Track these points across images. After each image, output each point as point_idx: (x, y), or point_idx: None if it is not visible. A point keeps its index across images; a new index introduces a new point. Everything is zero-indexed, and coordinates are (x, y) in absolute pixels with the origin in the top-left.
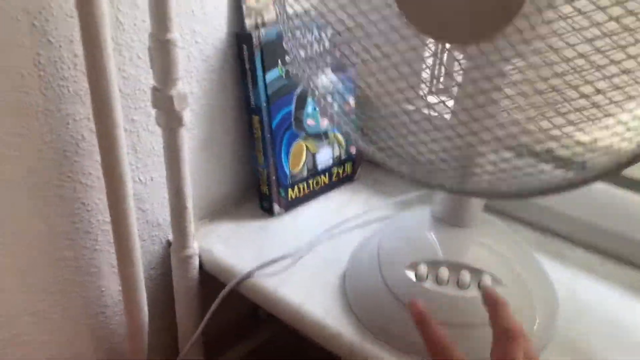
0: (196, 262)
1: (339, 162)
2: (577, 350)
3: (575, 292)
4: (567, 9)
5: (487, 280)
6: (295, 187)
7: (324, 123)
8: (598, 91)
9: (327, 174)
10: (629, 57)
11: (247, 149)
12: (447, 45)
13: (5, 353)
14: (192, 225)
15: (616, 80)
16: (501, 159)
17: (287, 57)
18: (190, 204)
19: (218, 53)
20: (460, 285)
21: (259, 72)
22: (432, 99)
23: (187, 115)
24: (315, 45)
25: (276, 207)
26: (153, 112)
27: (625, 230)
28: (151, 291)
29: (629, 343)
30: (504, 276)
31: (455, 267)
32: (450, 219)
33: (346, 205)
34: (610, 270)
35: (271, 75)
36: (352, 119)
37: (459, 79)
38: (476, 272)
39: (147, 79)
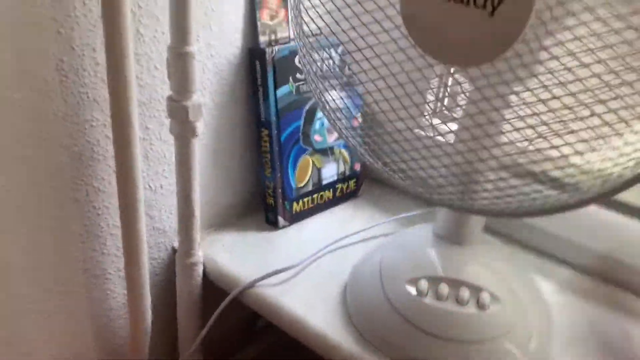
0: (200, 269)
1: (343, 178)
2: None
3: (570, 314)
4: (565, 36)
5: (485, 297)
6: (300, 201)
7: (331, 139)
8: (593, 114)
9: (331, 189)
10: (624, 83)
11: (254, 161)
12: (451, 67)
13: (10, 350)
14: (198, 233)
15: (611, 104)
16: (499, 178)
17: (298, 74)
18: (198, 212)
19: (231, 67)
20: (459, 301)
21: (271, 87)
22: (435, 118)
23: (200, 126)
24: (327, 63)
25: (281, 220)
26: (166, 121)
27: (619, 253)
28: (154, 297)
29: None
30: (501, 293)
31: (455, 284)
32: (451, 237)
33: (349, 220)
34: (603, 293)
35: (282, 90)
36: (359, 134)
37: (460, 99)
38: (475, 289)
39: (163, 89)
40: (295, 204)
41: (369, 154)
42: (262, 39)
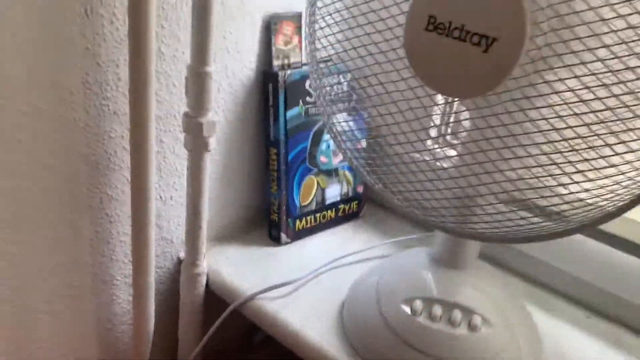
0: (204, 280)
1: (346, 199)
2: None
3: (559, 342)
4: (551, 77)
5: (477, 320)
6: (304, 219)
7: (336, 161)
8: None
9: (334, 209)
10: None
11: (261, 178)
12: (449, 98)
13: (18, 348)
14: (204, 245)
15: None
16: (489, 203)
17: (308, 97)
18: (205, 224)
19: (245, 88)
20: (451, 322)
21: (281, 109)
22: (433, 145)
23: (213, 142)
24: (336, 88)
25: (283, 236)
26: (181, 136)
27: (610, 286)
28: (157, 304)
29: None
30: (493, 318)
31: (449, 306)
32: (447, 261)
33: (350, 240)
34: (594, 324)
35: (291, 112)
36: (362, 157)
37: (457, 129)
38: (468, 312)
39: (179, 106)
40: (298, 222)
41: (371, 175)
42: (276, 62)
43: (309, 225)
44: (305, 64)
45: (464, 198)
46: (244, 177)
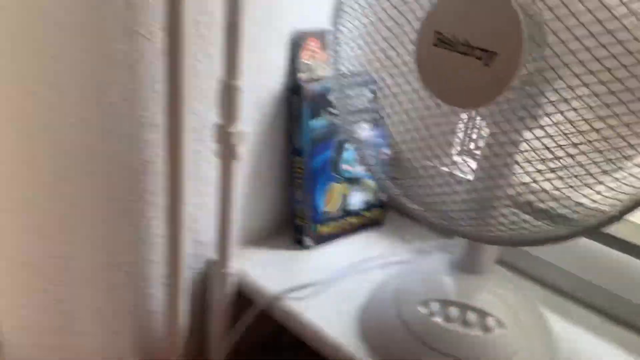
0: (233, 281)
1: (368, 206)
2: None
3: (574, 347)
4: (546, 87)
5: (491, 322)
6: (327, 225)
7: (359, 169)
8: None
9: (356, 216)
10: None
11: (286, 185)
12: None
13: (62, 340)
14: (233, 248)
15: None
16: (502, 209)
17: (331, 108)
18: (234, 228)
19: (272, 100)
20: (466, 323)
21: (306, 119)
22: (445, 154)
23: (243, 151)
24: (358, 101)
25: (308, 241)
26: (212, 145)
27: (626, 292)
28: (189, 304)
29: None
30: (507, 320)
31: (464, 308)
32: (465, 266)
33: (371, 246)
34: (609, 329)
35: (316, 123)
36: (384, 167)
37: (467, 139)
38: (482, 314)
39: (211, 117)
40: (321, 227)
41: (392, 185)
42: (301, 76)
43: (332, 230)
44: (328, 77)
45: (480, 204)
46: (271, 184)
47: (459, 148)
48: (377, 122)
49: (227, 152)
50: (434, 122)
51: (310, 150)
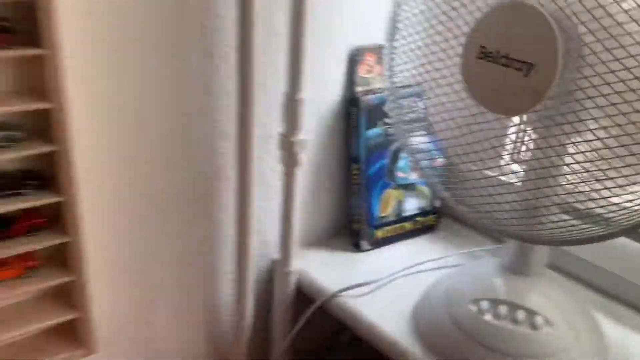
0: (294, 279)
1: (423, 212)
2: None
3: (627, 350)
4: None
5: (539, 320)
6: (383, 229)
7: (413, 176)
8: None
9: (411, 221)
10: None
11: (344, 191)
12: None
13: (138, 331)
14: (295, 248)
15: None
16: (551, 213)
17: (386, 119)
18: (296, 229)
19: (331, 111)
20: (515, 321)
21: (363, 129)
22: (490, 160)
23: (304, 158)
24: (412, 112)
25: (364, 244)
26: (277, 153)
27: None
28: (254, 300)
29: None
30: (555, 319)
31: (513, 307)
32: (516, 268)
33: (425, 250)
34: None
35: (372, 132)
36: (437, 174)
37: (514, 146)
38: (531, 313)
39: (276, 127)
40: (377, 231)
41: (445, 191)
42: (358, 89)
43: (387, 235)
44: (383, 89)
45: (529, 209)
46: (330, 190)
47: (505, 155)
48: (428, 130)
49: (290, 159)
50: (479, 128)
51: (366, 158)
